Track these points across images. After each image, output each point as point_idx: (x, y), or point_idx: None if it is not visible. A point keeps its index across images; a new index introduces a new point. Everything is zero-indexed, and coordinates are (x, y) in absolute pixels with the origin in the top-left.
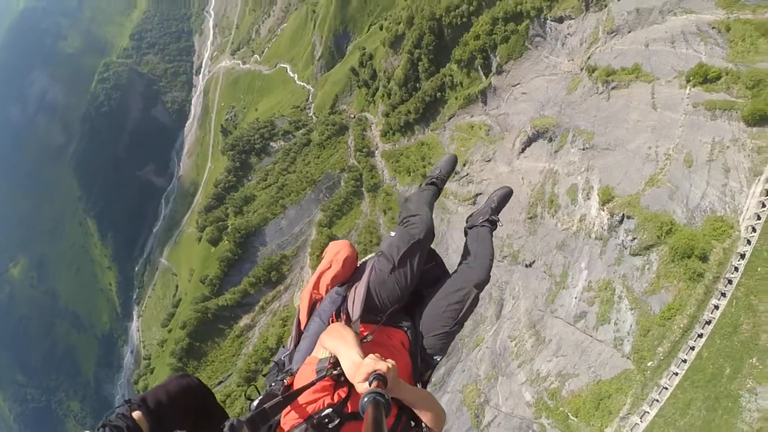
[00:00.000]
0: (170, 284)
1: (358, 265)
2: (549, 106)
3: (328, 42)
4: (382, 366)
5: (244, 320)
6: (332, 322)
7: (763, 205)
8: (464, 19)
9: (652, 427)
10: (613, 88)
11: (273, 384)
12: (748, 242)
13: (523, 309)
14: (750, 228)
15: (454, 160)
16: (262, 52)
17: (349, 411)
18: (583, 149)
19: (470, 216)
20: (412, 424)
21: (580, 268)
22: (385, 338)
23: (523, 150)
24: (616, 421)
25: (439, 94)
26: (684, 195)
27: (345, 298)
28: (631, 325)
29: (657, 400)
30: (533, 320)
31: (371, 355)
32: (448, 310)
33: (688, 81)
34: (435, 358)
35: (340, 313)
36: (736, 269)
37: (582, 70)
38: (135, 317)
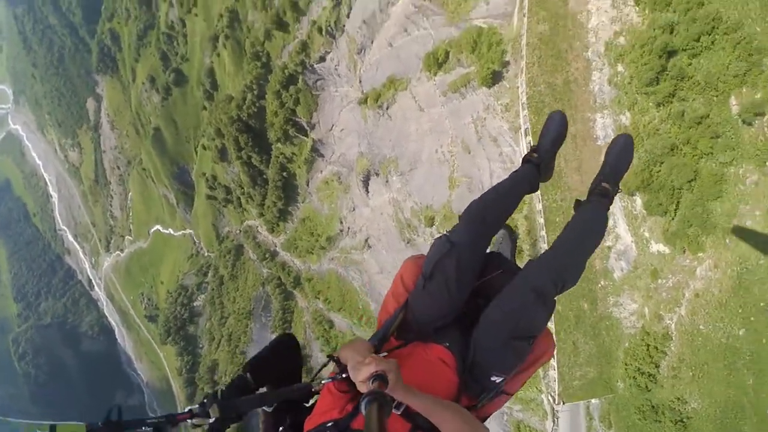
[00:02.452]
0: None
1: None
2: (363, 136)
3: (173, 186)
4: (383, 366)
5: None
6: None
7: None
8: (257, 105)
9: (561, 369)
10: (387, 108)
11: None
12: (538, 200)
13: None
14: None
15: (560, 124)
16: (130, 230)
17: (354, 427)
18: (399, 175)
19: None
20: None
21: None
22: (421, 353)
23: (367, 191)
24: (541, 384)
25: (284, 173)
26: (478, 182)
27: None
28: None
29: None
30: None
31: (373, 356)
32: (503, 319)
33: (429, 72)
34: (492, 379)
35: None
36: (543, 227)
37: (363, 93)
38: None
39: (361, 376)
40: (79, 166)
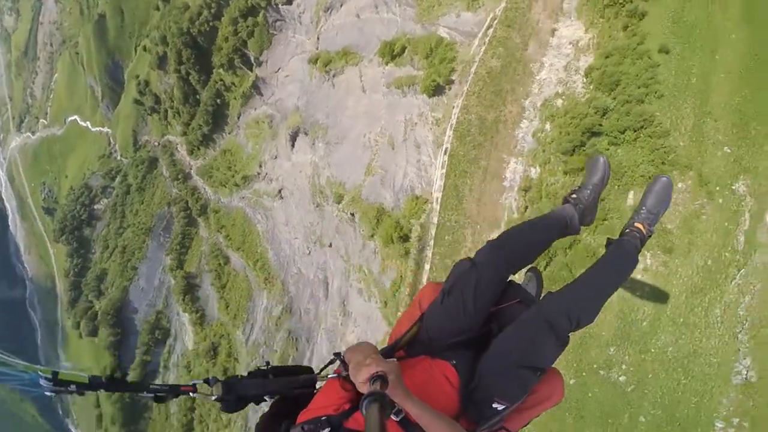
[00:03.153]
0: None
1: None
2: (304, 92)
3: (103, 79)
4: (384, 367)
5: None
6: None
7: (443, 177)
8: (210, 25)
9: None
10: (334, 76)
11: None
12: (435, 214)
13: (335, 287)
14: (437, 199)
15: (604, 168)
16: (46, 113)
17: (347, 426)
18: (325, 144)
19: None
20: None
21: (354, 252)
22: (426, 366)
23: (293, 146)
24: None
25: (219, 100)
26: (392, 178)
27: None
28: (377, 300)
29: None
30: (342, 297)
31: (374, 356)
32: (514, 347)
33: (382, 58)
34: (494, 406)
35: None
36: (432, 238)
37: (317, 50)
38: (73, 429)
39: (362, 376)
40: (11, 33)
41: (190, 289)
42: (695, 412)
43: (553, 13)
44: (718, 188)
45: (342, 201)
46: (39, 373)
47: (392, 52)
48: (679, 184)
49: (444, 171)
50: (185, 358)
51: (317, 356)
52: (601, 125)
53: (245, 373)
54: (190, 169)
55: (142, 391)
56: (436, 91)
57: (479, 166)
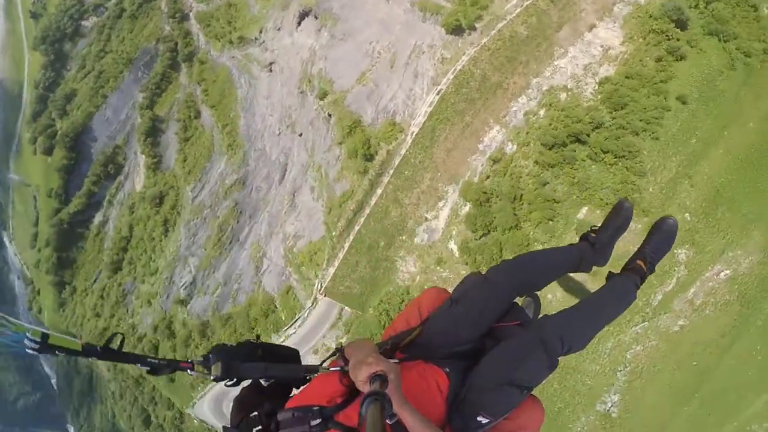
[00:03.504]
0: (28, 197)
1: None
2: None
3: None
4: (385, 367)
5: (97, 218)
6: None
7: (426, 115)
8: None
9: (338, 273)
10: None
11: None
12: (405, 147)
13: (291, 176)
14: (412, 133)
15: (627, 215)
16: None
17: (339, 420)
18: (330, 35)
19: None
20: None
21: (319, 151)
22: (420, 370)
23: (299, 24)
24: (320, 271)
25: None
26: (379, 96)
27: None
28: (323, 204)
29: (339, 257)
30: (295, 188)
31: (376, 356)
32: (505, 362)
33: None
34: (478, 419)
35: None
36: (394, 168)
37: None
38: (7, 242)
39: (362, 375)
40: None
41: (153, 132)
42: (556, 415)
43: (601, 10)
44: None
45: (325, 98)
46: (27, 334)
47: None
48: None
49: (429, 110)
50: (131, 199)
51: (254, 235)
52: (588, 136)
53: (234, 343)
54: (190, 11)
55: (139, 362)
56: (456, 30)
57: (463, 120)
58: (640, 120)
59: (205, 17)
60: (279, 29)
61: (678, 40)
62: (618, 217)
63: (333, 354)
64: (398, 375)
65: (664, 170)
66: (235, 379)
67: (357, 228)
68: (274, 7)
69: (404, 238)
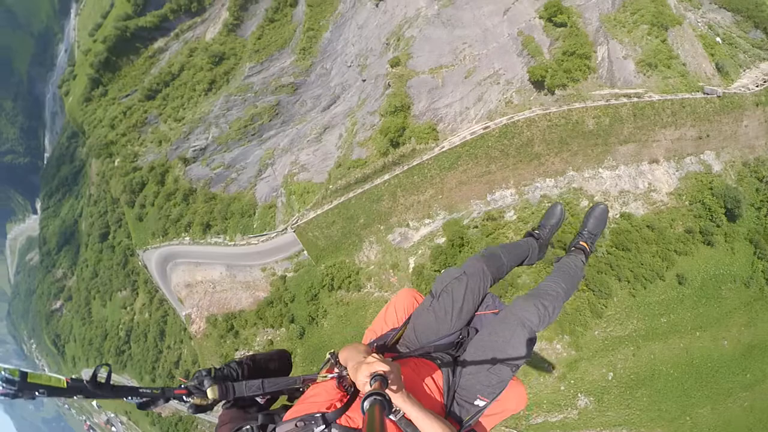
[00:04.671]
0: None
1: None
2: None
3: None
4: (384, 367)
5: (159, 43)
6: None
7: (462, 140)
8: None
9: (315, 220)
10: None
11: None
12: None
13: (334, 112)
14: (441, 148)
15: (560, 215)
16: None
17: (342, 424)
18: (437, 11)
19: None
20: None
21: (364, 108)
22: (413, 367)
23: None
24: (303, 209)
25: None
26: (439, 96)
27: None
28: (338, 156)
29: (323, 209)
30: (329, 123)
31: (374, 355)
32: (491, 345)
33: (544, 10)
34: (476, 403)
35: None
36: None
37: None
38: (73, 15)
39: (363, 375)
40: None
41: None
42: None
43: (672, 151)
44: (573, 391)
45: (395, 67)
46: (4, 373)
47: (554, 15)
48: (557, 345)
49: (468, 138)
50: (196, 44)
51: (274, 141)
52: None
53: (216, 366)
54: None
55: (132, 395)
56: (537, 83)
57: (488, 166)
58: (631, 271)
59: None
60: None
61: (718, 226)
62: (553, 217)
63: (327, 361)
64: (398, 372)
65: (619, 326)
66: (232, 400)
67: (350, 195)
68: None
69: (381, 228)
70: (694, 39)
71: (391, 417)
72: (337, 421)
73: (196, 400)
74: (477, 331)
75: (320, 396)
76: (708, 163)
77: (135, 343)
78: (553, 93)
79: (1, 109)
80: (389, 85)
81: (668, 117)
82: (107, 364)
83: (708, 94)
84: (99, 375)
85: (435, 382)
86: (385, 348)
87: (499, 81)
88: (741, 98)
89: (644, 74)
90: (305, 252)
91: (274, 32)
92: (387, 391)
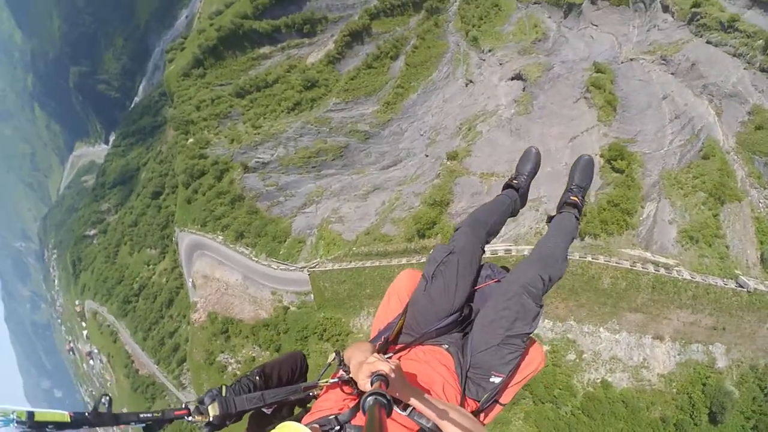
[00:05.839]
0: None
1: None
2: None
3: None
4: (384, 366)
5: (264, 49)
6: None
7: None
8: None
9: (329, 272)
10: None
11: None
12: None
13: (389, 175)
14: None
15: (536, 159)
16: None
17: (356, 423)
18: (512, 115)
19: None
20: None
21: (416, 184)
22: (421, 355)
23: (511, 78)
24: (324, 258)
25: None
26: (478, 202)
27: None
28: (372, 221)
29: (339, 265)
30: (380, 185)
31: (375, 355)
32: (497, 318)
33: (602, 158)
34: (491, 380)
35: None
36: None
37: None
38: None
39: (363, 375)
40: None
41: (356, 36)
42: None
43: (682, 333)
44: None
45: (450, 161)
46: (12, 415)
47: (615, 159)
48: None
49: (486, 255)
50: (297, 62)
51: (327, 182)
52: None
53: (228, 383)
54: None
55: (132, 421)
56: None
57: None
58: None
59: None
60: (500, 64)
61: (696, 425)
62: (528, 162)
63: (330, 364)
64: (399, 371)
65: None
66: (235, 416)
67: (367, 264)
68: (510, 47)
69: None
70: (749, 220)
71: (402, 412)
72: (351, 421)
73: (198, 418)
74: (482, 304)
75: (331, 398)
76: (714, 356)
77: (144, 299)
78: (582, 239)
79: (111, 43)
80: (438, 175)
81: (688, 299)
82: (107, 395)
83: (740, 286)
84: (100, 406)
85: (446, 367)
86: (389, 341)
87: (539, 208)
88: None
89: (682, 245)
90: (312, 295)
91: (367, 77)
92: (390, 389)
